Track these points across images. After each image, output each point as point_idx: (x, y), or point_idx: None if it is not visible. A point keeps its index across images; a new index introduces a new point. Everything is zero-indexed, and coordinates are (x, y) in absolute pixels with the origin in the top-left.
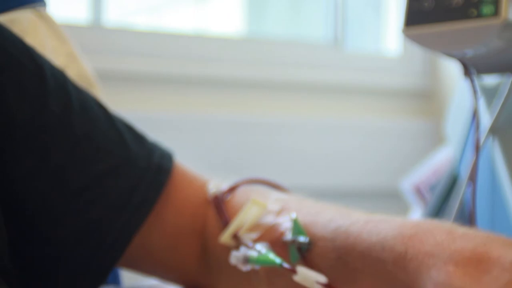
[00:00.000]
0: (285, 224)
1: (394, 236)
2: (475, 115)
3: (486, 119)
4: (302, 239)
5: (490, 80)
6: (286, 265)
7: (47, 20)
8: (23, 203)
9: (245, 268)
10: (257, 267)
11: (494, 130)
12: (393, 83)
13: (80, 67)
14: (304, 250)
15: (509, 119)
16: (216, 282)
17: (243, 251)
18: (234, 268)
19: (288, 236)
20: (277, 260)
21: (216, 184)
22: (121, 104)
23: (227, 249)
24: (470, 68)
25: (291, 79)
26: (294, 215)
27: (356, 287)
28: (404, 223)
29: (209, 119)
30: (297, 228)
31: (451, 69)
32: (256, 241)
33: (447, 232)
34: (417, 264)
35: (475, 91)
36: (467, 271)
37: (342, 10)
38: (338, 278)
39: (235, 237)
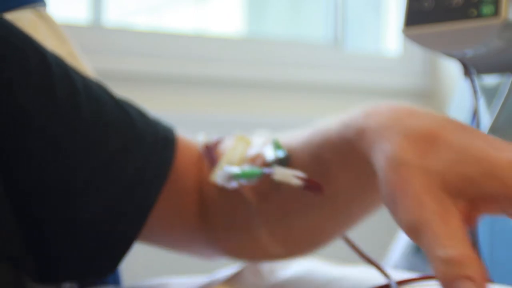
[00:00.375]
0: (268, 151)
1: (357, 115)
2: (475, 115)
3: (486, 119)
4: (280, 153)
5: (490, 80)
6: (266, 170)
7: (47, 20)
8: (42, 188)
9: (231, 184)
10: (242, 181)
11: (494, 130)
12: (393, 83)
13: (80, 67)
14: (284, 163)
15: (509, 119)
16: (216, 231)
17: (226, 169)
18: (229, 210)
19: (270, 157)
20: (257, 170)
21: (205, 137)
22: None
23: (220, 190)
24: (470, 68)
25: (291, 79)
26: (274, 137)
27: (330, 179)
28: (370, 105)
29: (209, 119)
30: (277, 146)
31: (451, 69)
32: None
33: (408, 111)
34: (374, 135)
35: (475, 91)
36: (416, 146)
37: (342, 10)
38: (314, 176)
39: None
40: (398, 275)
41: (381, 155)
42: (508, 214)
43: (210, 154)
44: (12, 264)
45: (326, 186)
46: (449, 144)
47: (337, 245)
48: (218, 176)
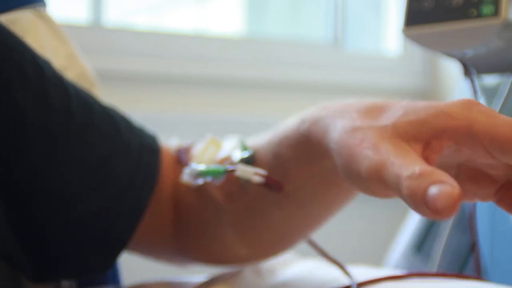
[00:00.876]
0: (235, 152)
1: (312, 110)
2: None
3: None
4: (244, 154)
5: (490, 80)
6: (229, 167)
7: (47, 20)
8: (38, 188)
9: (197, 182)
10: (208, 179)
11: None
12: (393, 83)
13: (81, 67)
14: (249, 162)
15: None
16: (186, 235)
17: (193, 166)
18: (199, 210)
19: (237, 157)
20: (221, 167)
21: (178, 141)
22: (121, 104)
23: (191, 191)
24: (470, 68)
25: (291, 79)
26: (241, 139)
27: (290, 176)
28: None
29: (209, 119)
30: (243, 147)
31: (451, 69)
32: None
33: (356, 100)
34: (327, 121)
35: (475, 91)
36: (367, 115)
37: (342, 10)
38: (275, 174)
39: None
40: (363, 275)
41: (335, 133)
42: (460, 145)
43: (182, 157)
44: (9, 263)
45: (286, 184)
46: (395, 105)
47: (337, 247)
48: (185, 173)
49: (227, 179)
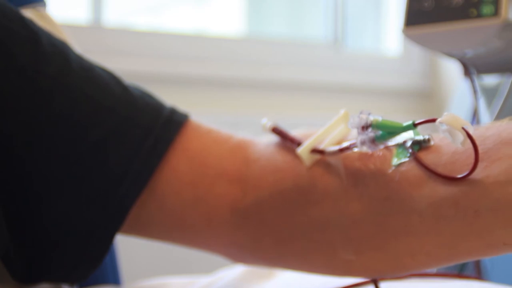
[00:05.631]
0: (407, 134)
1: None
2: (475, 115)
3: (486, 119)
4: (421, 137)
5: (490, 80)
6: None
7: (47, 20)
8: (20, 177)
9: (376, 148)
10: (386, 143)
11: None
12: (393, 83)
13: None
14: (421, 147)
15: None
16: (261, 225)
17: (366, 132)
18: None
19: (409, 138)
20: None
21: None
22: None
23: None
24: (470, 68)
25: (291, 79)
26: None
27: None
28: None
29: (209, 119)
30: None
31: (451, 69)
32: (342, 150)
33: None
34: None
35: (475, 91)
36: None
37: (342, 10)
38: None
39: (315, 151)
40: None
41: None
42: None
43: (284, 133)
44: (4, 263)
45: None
46: None
47: None
48: (358, 138)
49: None
